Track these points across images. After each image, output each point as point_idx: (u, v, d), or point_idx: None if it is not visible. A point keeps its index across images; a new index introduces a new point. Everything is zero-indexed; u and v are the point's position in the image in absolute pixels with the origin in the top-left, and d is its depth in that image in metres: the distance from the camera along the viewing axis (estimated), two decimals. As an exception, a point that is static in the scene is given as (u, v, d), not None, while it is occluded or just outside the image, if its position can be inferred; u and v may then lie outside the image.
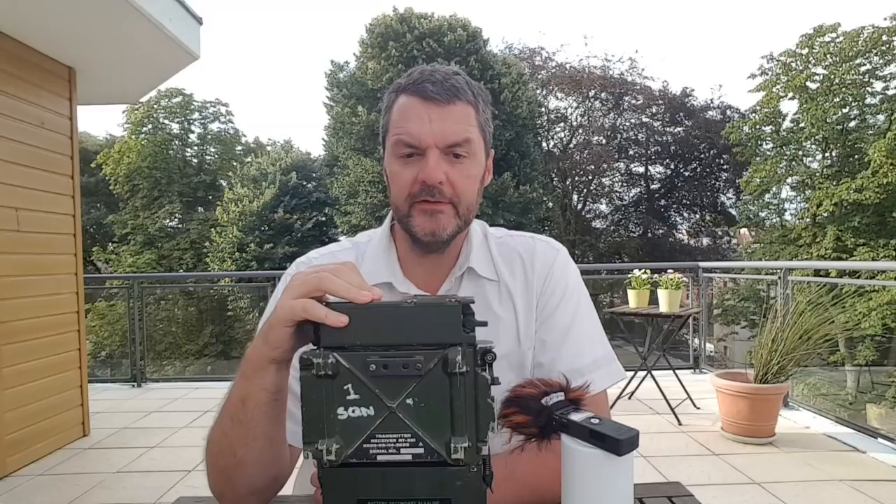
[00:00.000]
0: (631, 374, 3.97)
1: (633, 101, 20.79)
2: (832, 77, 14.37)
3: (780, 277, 4.18)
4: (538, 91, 19.44)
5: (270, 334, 0.60)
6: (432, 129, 0.80)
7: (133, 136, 19.75)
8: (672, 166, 21.75)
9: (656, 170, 22.11)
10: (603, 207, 22.03)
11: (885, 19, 13.98)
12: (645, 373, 3.99)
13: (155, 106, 19.84)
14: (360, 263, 0.90)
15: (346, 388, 0.51)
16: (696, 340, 5.34)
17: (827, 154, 15.36)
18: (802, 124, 14.98)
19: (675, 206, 22.17)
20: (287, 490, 0.83)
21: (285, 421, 0.70)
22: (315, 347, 0.53)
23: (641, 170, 21.88)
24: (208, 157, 21.10)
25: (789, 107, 15.76)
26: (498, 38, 36.65)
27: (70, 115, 3.61)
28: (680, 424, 3.62)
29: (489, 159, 0.91)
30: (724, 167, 20.70)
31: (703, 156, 21.09)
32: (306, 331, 0.57)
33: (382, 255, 0.90)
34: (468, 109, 0.83)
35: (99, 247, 19.59)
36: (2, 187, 3.07)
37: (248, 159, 19.26)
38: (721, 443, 3.30)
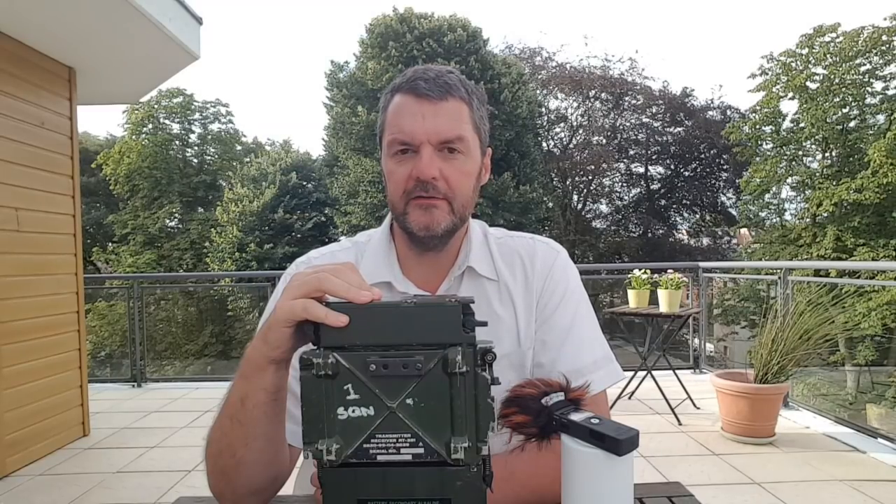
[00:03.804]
0: (631, 374, 3.97)
1: (634, 102, 20.78)
2: (832, 77, 14.37)
3: (780, 277, 4.18)
4: (538, 91, 19.41)
5: (270, 334, 0.60)
6: (425, 125, 0.81)
7: (133, 137, 19.75)
8: (672, 166, 21.74)
9: (656, 170, 22.12)
10: (603, 207, 22.04)
11: (885, 19, 14.00)
12: (645, 373, 3.99)
13: (155, 106, 19.85)
14: (360, 263, 0.90)
15: (346, 388, 0.51)
16: (696, 340, 5.34)
17: (827, 154, 15.37)
18: (802, 124, 14.98)
19: (675, 206, 22.16)
20: (287, 490, 0.83)
21: (285, 421, 0.70)
22: (315, 347, 0.53)
23: (641, 170, 21.88)
24: (208, 158, 21.10)
25: (789, 107, 15.79)
26: (498, 38, 36.69)
27: (70, 115, 3.61)
28: (680, 424, 3.62)
29: (486, 158, 0.91)
30: (724, 167, 20.70)
31: (703, 156, 21.08)
32: (306, 331, 0.57)
33: (382, 255, 0.90)
34: (461, 106, 0.84)
35: (99, 247, 19.60)
36: (2, 187, 3.07)
37: (248, 159, 19.26)
38: (721, 443, 3.30)
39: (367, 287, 0.56)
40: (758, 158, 16.15)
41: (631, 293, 4.19)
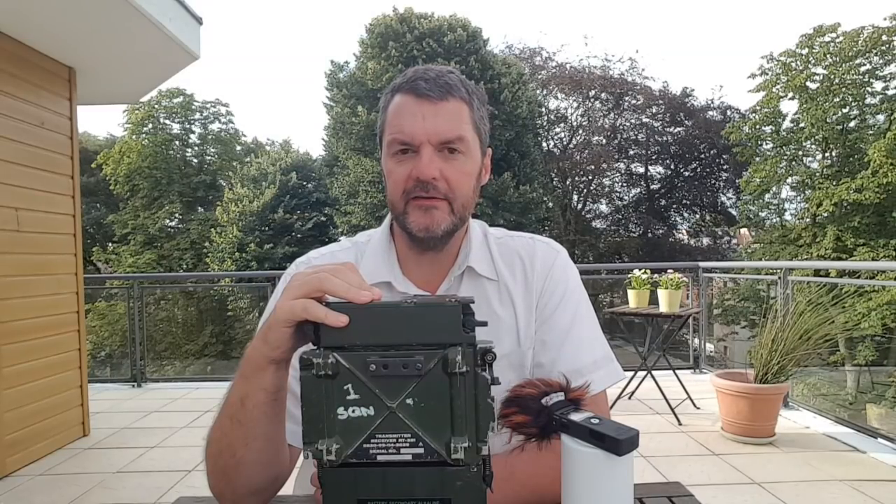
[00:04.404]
0: (631, 374, 3.97)
1: (634, 102, 20.78)
2: (832, 77, 14.37)
3: (780, 277, 4.18)
4: (538, 91, 19.41)
5: (270, 334, 0.60)
6: (425, 125, 0.81)
7: (133, 137, 19.74)
8: (672, 166, 21.74)
9: (656, 170, 22.12)
10: (603, 207, 22.05)
11: (885, 19, 14.00)
12: (645, 373, 3.99)
13: (155, 106, 19.84)
14: (360, 263, 0.90)
15: (346, 388, 0.51)
16: (696, 340, 5.34)
17: (827, 154, 15.37)
18: (802, 124, 14.98)
19: (675, 206, 22.16)
20: (287, 490, 0.83)
21: (285, 421, 0.70)
22: (315, 347, 0.53)
23: (641, 170, 21.88)
24: (208, 158, 21.09)
25: (789, 107, 15.79)
26: (498, 38, 36.70)
27: (70, 115, 3.61)
28: (680, 424, 3.62)
29: (486, 158, 0.91)
30: (724, 167, 20.70)
31: (703, 156, 21.08)
32: (306, 331, 0.57)
33: (382, 255, 0.90)
34: (461, 106, 0.84)
35: (99, 247, 19.58)
36: (2, 187, 3.07)
37: (248, 159, 19.25)
38: (721, 443, 3.30)
39: (367, 287, 0.56)
40: (758, 158, 16.15)
41: (631, 293, 4.18)
